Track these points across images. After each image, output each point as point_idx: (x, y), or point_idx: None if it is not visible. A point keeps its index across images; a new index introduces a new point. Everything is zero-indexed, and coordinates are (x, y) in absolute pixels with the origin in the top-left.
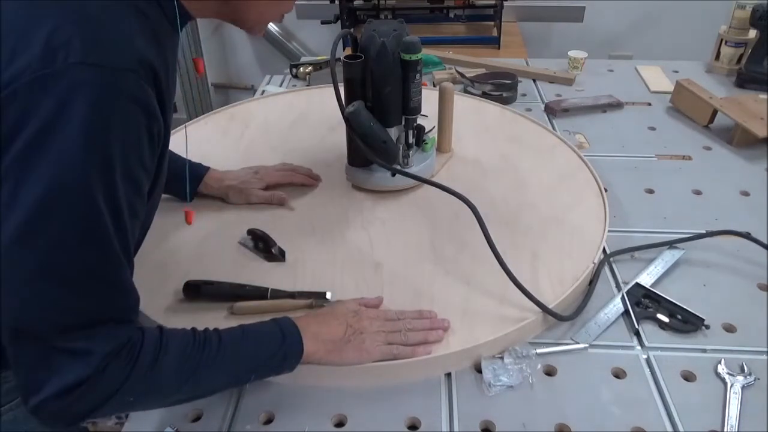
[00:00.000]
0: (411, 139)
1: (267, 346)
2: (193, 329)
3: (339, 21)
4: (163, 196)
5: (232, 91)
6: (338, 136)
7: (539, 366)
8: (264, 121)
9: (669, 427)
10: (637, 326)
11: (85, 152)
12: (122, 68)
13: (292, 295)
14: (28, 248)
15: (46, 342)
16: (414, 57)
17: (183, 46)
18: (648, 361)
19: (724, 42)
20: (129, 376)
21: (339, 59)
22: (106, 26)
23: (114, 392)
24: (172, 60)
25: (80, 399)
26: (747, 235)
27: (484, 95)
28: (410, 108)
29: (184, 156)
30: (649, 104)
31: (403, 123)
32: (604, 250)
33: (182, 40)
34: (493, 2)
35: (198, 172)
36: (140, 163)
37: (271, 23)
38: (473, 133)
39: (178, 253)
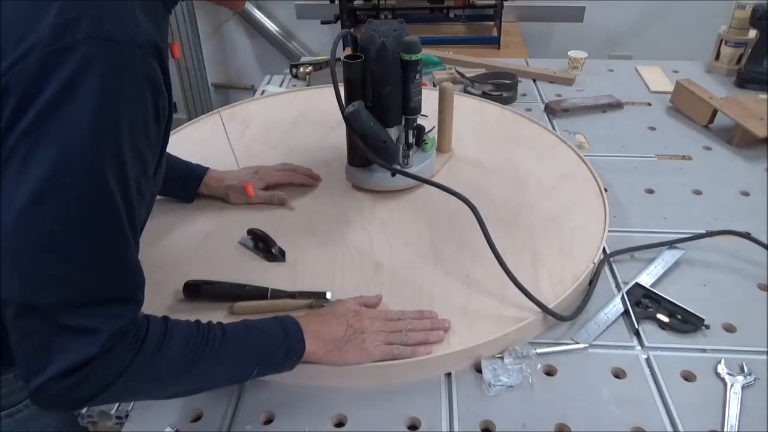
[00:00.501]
0: (411, 139)
1: (269, 341)
2: (197, 321)
3: (339, 21)
4: (163, 197)
5: (232, 91)
6: (338, 136)
7: (539, 366)
8: (264, 121)
9: (669, 427)
10: (637, 326)
11: (95, 125)
12: (130, 44)
13: (292, 295)
14: (35, 221)
15: (50, 319)
16: (414, 57)
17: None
18: (648, 361)
19: (724, 42)
20: (134, 360)
21: (339, 59)
22: (110, 7)
23: (118, 375)
24: (167, 39)
25: (83, 381)
26: (747, 235)
27: (484, 95)
28: (410, 108)
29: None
30: (649, 104)
31: (403, 123)
32: (604, 250)
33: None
34: (493, 2)
35: (198, 172)
36: (147, 139)
37: (270, 23)
38: (473, 133)
39: (178, 253)
